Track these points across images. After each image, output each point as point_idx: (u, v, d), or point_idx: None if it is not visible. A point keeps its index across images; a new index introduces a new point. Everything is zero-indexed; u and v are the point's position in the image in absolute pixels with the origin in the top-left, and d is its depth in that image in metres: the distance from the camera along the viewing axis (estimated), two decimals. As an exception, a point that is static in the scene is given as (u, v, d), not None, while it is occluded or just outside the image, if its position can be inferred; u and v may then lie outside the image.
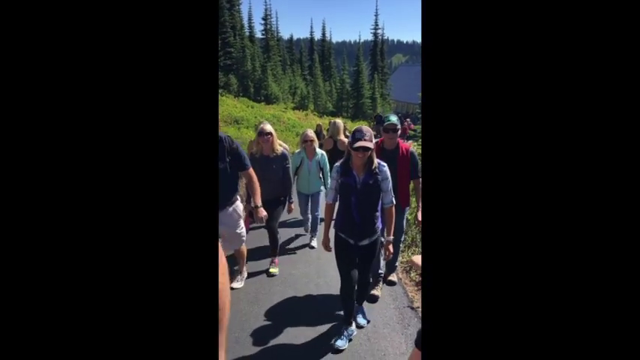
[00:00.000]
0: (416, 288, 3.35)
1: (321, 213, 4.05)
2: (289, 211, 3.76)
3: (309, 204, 4.29)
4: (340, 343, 2.44)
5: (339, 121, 5.12)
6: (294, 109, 23.13)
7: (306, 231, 4.51)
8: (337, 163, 2.35)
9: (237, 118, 12.68)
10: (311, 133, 4.09)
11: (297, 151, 4.14)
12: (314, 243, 4.36)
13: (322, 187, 4.18)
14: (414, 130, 14.59)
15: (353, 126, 18.81)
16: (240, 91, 23.13)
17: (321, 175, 4.15)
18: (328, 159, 5.18)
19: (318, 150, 4.08)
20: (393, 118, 2.82)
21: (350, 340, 2.53)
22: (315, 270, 3.69)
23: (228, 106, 14.60)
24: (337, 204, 2.44)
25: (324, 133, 9.27)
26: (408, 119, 18.89)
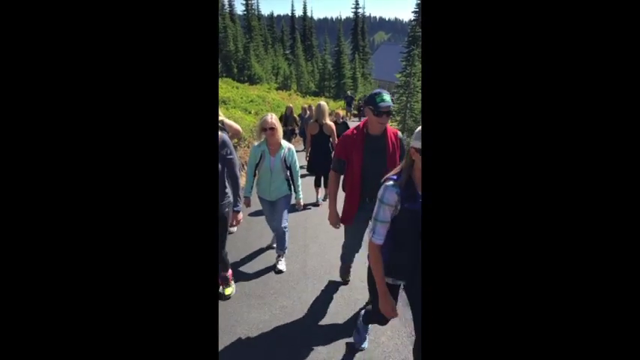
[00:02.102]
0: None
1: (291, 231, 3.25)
2: (235, 222, 2.61)
3: (273, 214, 3.23)
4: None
5: (324, 103, 4.78)
6: (277, 89, 23.62)
7: (278, 249, 3.32)
8: (389, 183, 1.50)
9: (224, 98, 13.27)
10: (272, 118, 2.97)
11: (256, 143, 3.13)
12: (281, 265, 3.28)
13: (289, 192, 3.22)
14: None
15: (335, 106, 19.49)
16: (223, 72, 23.42)
17: (288, 176, 3.15)
18: (314, 146, 4.68)
19: (284, 142, 3.08)
20: (387, 98, 2.10)
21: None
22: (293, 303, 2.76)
23: (214, 87, 15.12)
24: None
25: (295, 116, 8.62)
26: None
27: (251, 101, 14.29)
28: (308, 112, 8.59)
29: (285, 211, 3.20)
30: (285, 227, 3.22)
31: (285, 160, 3.08)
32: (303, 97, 22.61)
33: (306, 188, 4.30)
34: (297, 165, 3.17)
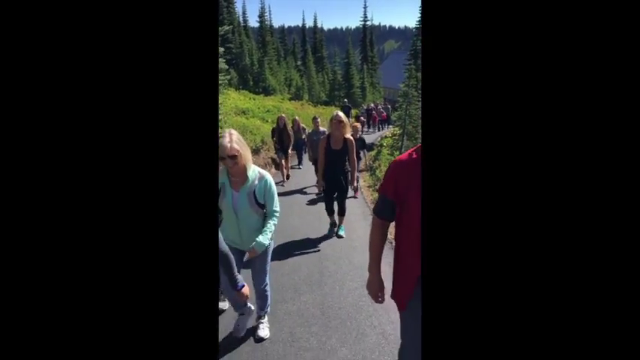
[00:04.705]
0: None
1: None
2: (241, 299, 2.11)
3: (251, 270, 2.40)
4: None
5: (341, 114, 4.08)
6: (290, 99, 25.22)
7: (237, 327, 2.46)
8: None
9: (244, 109, 14.81)
10: (233, 141, 1.97)
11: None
12: (263, 331, 2.56)
13: (267, 241, 2.20)
14: (383, 121, 16.89)
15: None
16: (240, 85, 25.13)
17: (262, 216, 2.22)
18: (329, 162, 4.00)
19: (253, 170, 2.13)
20: None
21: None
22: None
23: (234, 99, 16.69)
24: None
25: (289, 130, 7.09)
26: (380, 107, 20.77)
27: (267, 111, 15.77)
28: (310, 126, 7.79)
29: (267, 266, 2.41)
30: (266, 285, 2.45)
31: (254, 195, 2.10)
32: (315, 106, 24.12)
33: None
34: (276, 200, 2.21)
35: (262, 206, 2.19)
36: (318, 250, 4.14)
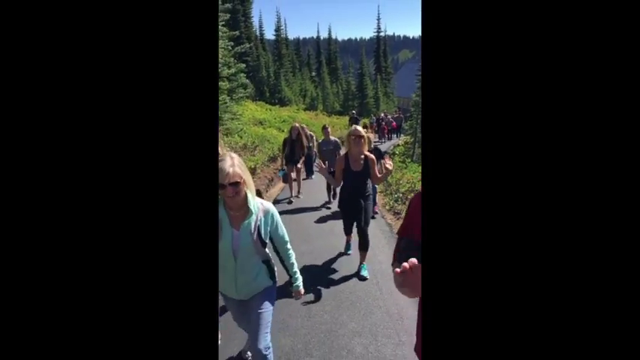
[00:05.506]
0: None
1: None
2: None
3: (247, 322, 1.98)
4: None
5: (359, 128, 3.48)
6: (305, 109, 25.92)
7: None
8: None
9: (261, 119, 15.44)
10: (235, 165, 1.63)
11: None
12: None
13: (270, 282, 1.94)
14: (393, 131, 17.13)
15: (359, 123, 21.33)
16: (257, 96, 25.97)
17: (267, 255, 1.89)
18: (346, 180, 3.40)
19: (256, 202, 1.76)
20: None
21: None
22: None
23: (251, 109, 17.38)
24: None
25: (304, 142, 6.47)
26: (389, 117, 20.78)
27: (283, 121, 16.36)
28: (321, 136, 6.73)
29: (266, 316, 1.89)
30: (268, 348, 1.87)
31: (260, 234, 1.77)
32: (329, 116, 24.73)
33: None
34: (286, 236, 1.93)
35: (265, 245, 1.82)
36: (332, 247, 4.52)
